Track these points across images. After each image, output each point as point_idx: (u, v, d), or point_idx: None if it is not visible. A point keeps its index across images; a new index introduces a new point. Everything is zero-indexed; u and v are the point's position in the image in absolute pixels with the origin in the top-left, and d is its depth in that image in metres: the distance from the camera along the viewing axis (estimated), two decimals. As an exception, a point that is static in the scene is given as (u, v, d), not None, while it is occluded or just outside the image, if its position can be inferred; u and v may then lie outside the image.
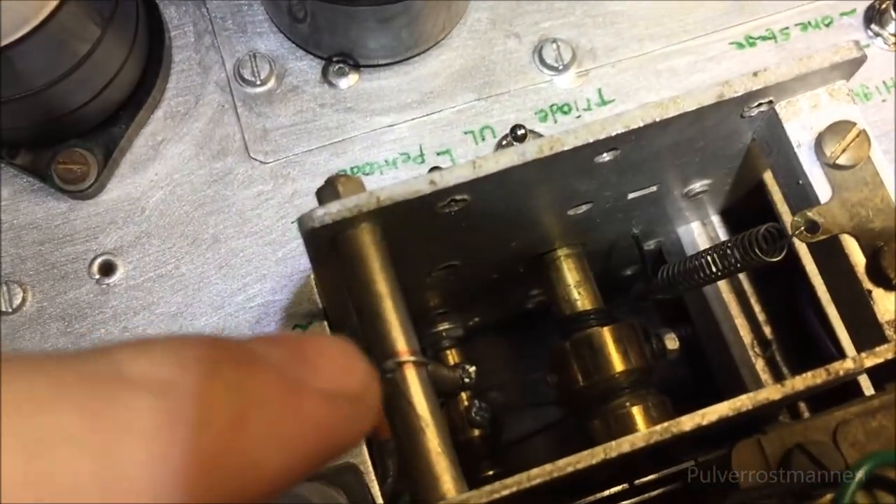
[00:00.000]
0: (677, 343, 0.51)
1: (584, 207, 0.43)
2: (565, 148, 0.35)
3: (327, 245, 0.35)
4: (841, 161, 0.37)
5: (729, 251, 0.40)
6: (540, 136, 0.50)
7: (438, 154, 0.50)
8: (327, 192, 0.35)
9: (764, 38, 0.53)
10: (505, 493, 0.31)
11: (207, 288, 0.47)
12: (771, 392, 0.32)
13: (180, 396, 0.19)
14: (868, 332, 0.36)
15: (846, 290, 0.37)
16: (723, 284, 0.54)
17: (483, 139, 0.50)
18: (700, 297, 0.55)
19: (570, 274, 0.49)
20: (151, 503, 0.17)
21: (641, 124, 0.35)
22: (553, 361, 0.49)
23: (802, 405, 0.49)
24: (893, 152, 0.51)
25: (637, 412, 0.47)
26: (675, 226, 0.54)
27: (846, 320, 0.38)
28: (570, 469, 0.31)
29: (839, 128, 0.37)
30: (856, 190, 0.37)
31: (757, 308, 0.53)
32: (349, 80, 0.51)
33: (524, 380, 0.64)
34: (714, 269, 0.41)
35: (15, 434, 0.16)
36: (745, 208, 0.50)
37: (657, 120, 0.35)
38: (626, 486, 0.41)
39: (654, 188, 0.44)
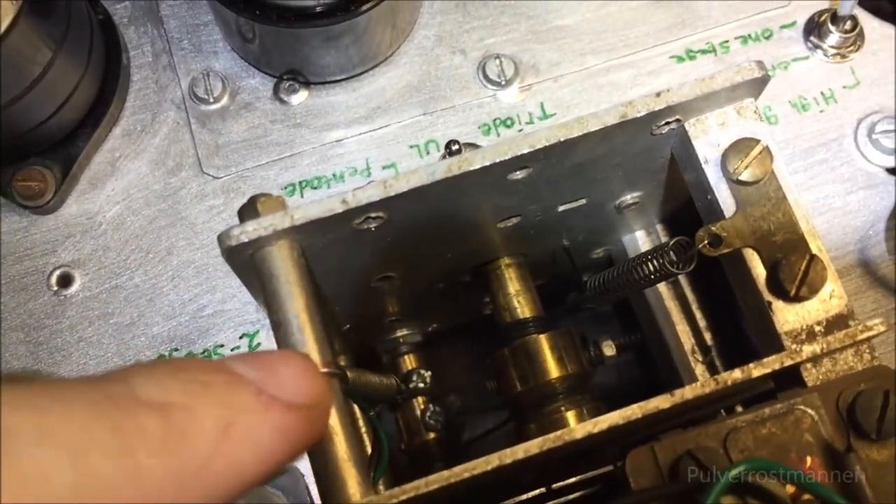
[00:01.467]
0: (614, 350, 0.52)
1: (513, 220, 0.45)
2: (473, 167, 0.36)
3: (248, 261, 0.37)
4: (744, 177, 0.38)
5: (645, 263, 0.41)
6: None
7: (384, 168, 0.52)
8: (248, 211, 0.37)
9: (704, 52, 0.54)
10: (403, 497, 0.32)
11: (160, 298, 0.50)
12: (661, 401, 0.34)
13: (181, 414, 0.24)
14: (770, 342, 0.38)
15: (751, 302, 0.39)
16: (665, 291, 0.55)
17: (428, 153, 0.52)
18: (645, 304, 0.57)
19: (511, 283, 0.51)
20: (164, 500, 0.23)
21: (547, 144, 0.37)
22: (493, 368, 0.51)
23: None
24: (829, 162, 0.52)
25: (571, 417, 0.48)
26: (620, 234, 0.55)
27: (753, 330, 0.40)
28: (466, 475, 0.33)
29: (743, 145, 0.38)
30: (759, 205, 0.38)
31: (698, 314, 0.54)
32: (300, 97, 0.53)
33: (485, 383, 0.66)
34: (634, 280, 0.43)
35: (62, 446, 0.21)
36: (688, 216, 0.51)
37: (562, 140, 0.37)
38: (542, 490, 0.42)
39: (582, 201, 0.46)
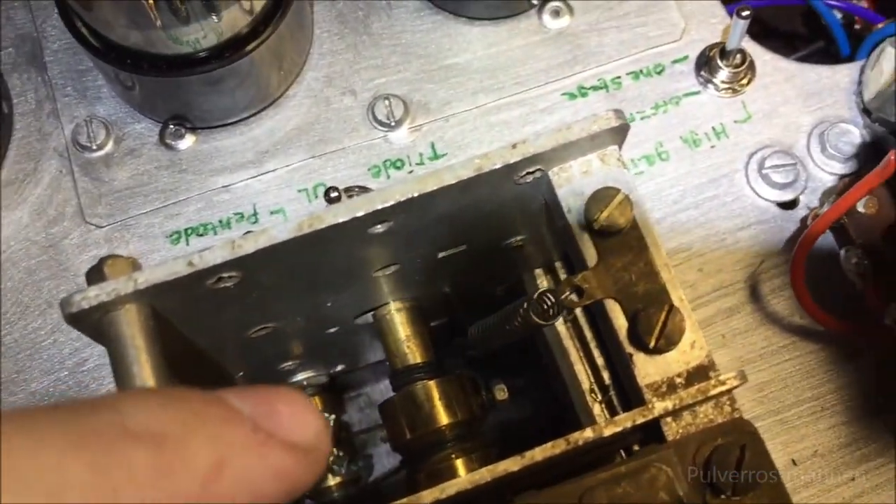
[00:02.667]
0: (506, 394, 0.52)
1: (392, 268, 0.44)
2: (324, 225, 0.36)
3: (96, 326, 0.36)
4: (604, 227, 0.38)
5: (512, 316, 0.41)
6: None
7: (272, 213, 0.51)
8: (94, 274, 0.36)
9: (596, 89, 0.54)
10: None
11: (39, 353, 0.48)
12: (510, 464, 0.33)
13: (171, 447, 0.23)
14: (634, 395, 0.37)
15: (616, 353, 0.38)
16: (563, 330, 0.55)
17: (316, 197, 0.52)
18: (545, 343, 0.56)
19: (402, 328, 0.50)
20: None
21: (401, 199, 0.36)
22: (383, 415, 0.50)
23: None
24: (720, 198, 0.52)
25: (460, 465, 0.48)
26: (520, 270, 0.55)
27: (624, 381, 0.39)
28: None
29: (603, 194, 0.38)
30: (620, 255, 0.38)
31: (596, 353, 0.54)
32: (186, 142, 0.52)
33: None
34: (506, 332, 0.42)
35: (37, 487, 0.20)
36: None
37: (416, 195, 0.36)
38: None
39: (463, 247, 0.45)
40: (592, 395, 0.54)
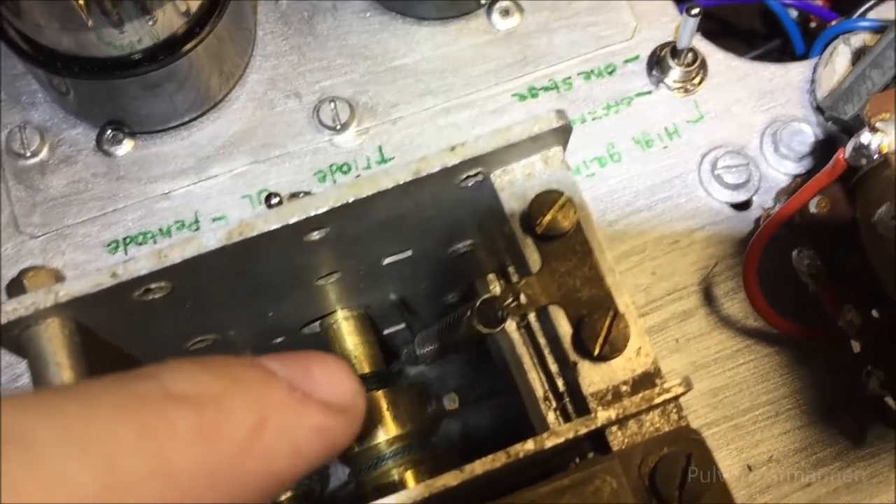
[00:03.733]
0: (457, 404, 0.50)
1: (334, 276, 0.43)
2: (255, 233, 0.34)
3: (17, 341, 0.34)
4: (548, 231, 0.36)
5: (456, 325, 0.40)
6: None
7: (214, 220, 0.50)
8: (14, 287, 0.34)
9: (546, 89, 0.53)
10: None
11: (-29, 368, 0.47)
12: (449, 479, 0.32)
13: (214, 408, 0.23)
14: (580, 404, 0.36)
15: (562, 361, 0.37)
16: (517, 337, 0.53)
17: (261, 203, 0.50)
18: (498, 350, 0.55)
19: (349, 338, 0.49)
20: (196, 497, 0.22)
21: (335, 205, 0.35)
22: (330, 427, 0.48)
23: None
24: (673, 199, 0.51)
25: (409, 476, 0.46)
26: (472, 277, 0.53)
27: (567, 391, 0.38)
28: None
29: (546, 197, 0.37)
30: (564, 259, 0.37)
31: (550, 359, 0.52)
32: (124, 148, 0.51)
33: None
34: (453, 338, 0.41)
35: (85, 450, 0.21)
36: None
37: (351, 201, 0.35)
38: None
39: (408, 252, 0.44)
40: (547, 402, 0.53)
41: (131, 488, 0.21)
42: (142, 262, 0.34)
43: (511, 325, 0.52)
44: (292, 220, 0.35)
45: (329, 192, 0.35)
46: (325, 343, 0.49)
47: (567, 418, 0.52)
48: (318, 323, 0.49)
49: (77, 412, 0.22)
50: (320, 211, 0.35)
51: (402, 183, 0.35)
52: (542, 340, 0.53)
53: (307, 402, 0.26)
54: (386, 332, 0.54)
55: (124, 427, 0.22)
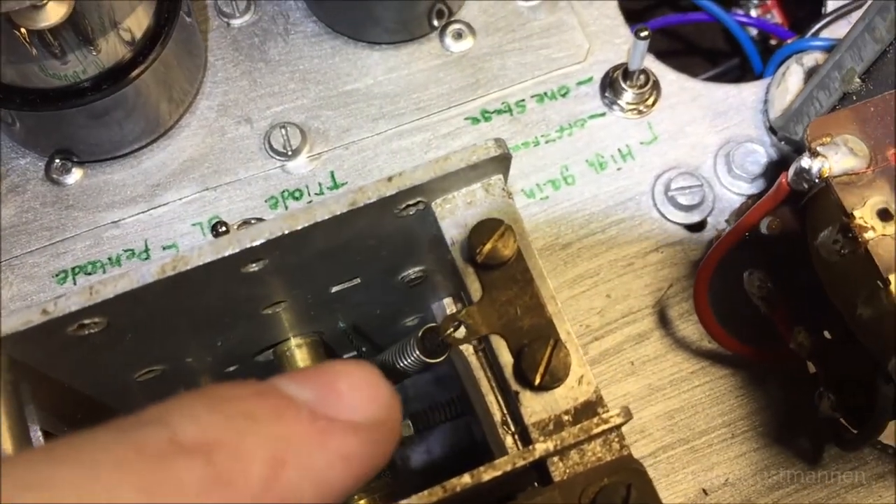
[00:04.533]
0: (412, 430, 0.50)
1: (281, 305, 0.43)
2: (188, 267, 0.34)
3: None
4: (488, 260, 0.36)
5: (401, 355, 0.39)
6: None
7: (165, 248, 0.49)
8: (-55, 325, 0.34)
9: (500, 112, 0.53)
10: None
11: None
12: (385, 513, 0.32)
13: (224, 455, 0.21)
14: (523, 433, 0.36)
15: (503, 391, 0.37)
16: (474, 361, 0.53)
17: (211, 230, 0.50)
18: (455, 375, 0.55)
19: (303, 365, 0.48)
20: None
21: (270, 237, 0.34)
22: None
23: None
24: (627, 221, 0.51)
25: (364, 504, 0.46)
26: (428, 301, 0.53)
27: (511, 421, 0.38)
28: None
29: (486, 226, 0.36)
30: (505, 288, 0.36)
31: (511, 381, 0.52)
32: (74, 177, 0.50)
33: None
34: (401, 366, 0.41)
35: None
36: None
37: (286, 232, 0.34)
38: None
39: (356, 280, 0.44)
40: (505, 427, 0.52)
41: None
42: (73, 298, 0.33)
43: (468, 349, 0.52)
44: (227, 253, 0.34)
45: (264, 225, 0.35)
46: (280, 370, 0.49)
47: (526, 442, 0.52)
48: (271, 351, 0.49)
49: (72, 478, 0.20)
50: (255, 243, 0.34)
51: (338, 214, 0.35)
52: (501, 361, 0.53)
53: (331, 429, 0.23)
54: (344, 357, 0.53)
55: (126, 488, 0.20)
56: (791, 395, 0.48)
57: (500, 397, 0.52)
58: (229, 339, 0.44)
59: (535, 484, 0.40)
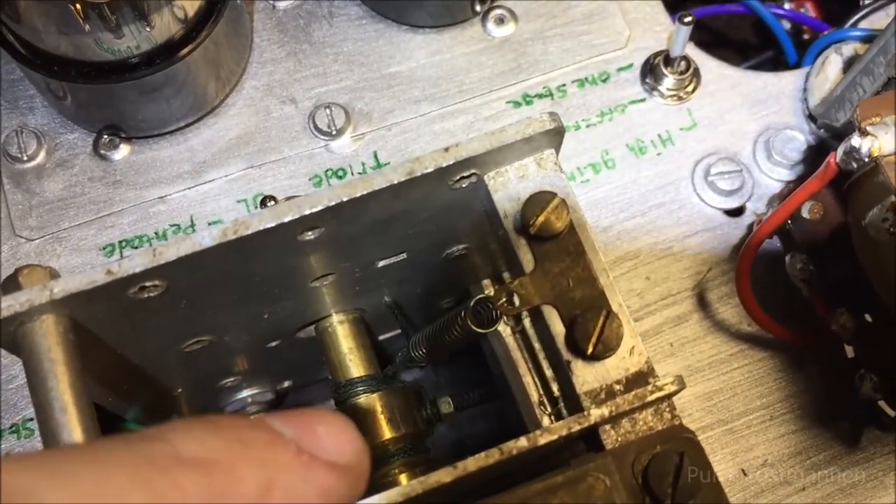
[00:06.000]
0: (452, 407, 0.50)
1: (329, 278, 0.43)
2: (249, 232, 0.34)
3: (12, 337, 0.34)
4: (541, 231, 0.37)
5: (451, 325, 0.40)
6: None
7: (210, 223, 0.50)
8: (10, 284, 0.35)
9: (541, 96, 0.53)
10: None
11: (-34, 371, 0.47)
12: (442, 475, 0.32)
13: (223, 472, 0.24)
14: (573, 403, 0.36)
15: (555, 361, 0.37)
16: (511, 342, 0.53)
17: (256, 207, 0.50)
18: (493, 356, 0.55)
19: (344, 341, 0.49)
20: None
21: (329, 204, 0.35)
22: (324, 431, 0.48)
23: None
24: (667, 206, 0.52)
25: (404, 479, 0.46)
26: (467, 283, 0.54)
27: (561, 391, 0.38)
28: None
29: (539, 198, 0.37)
30: (557, 260, 0.37)
31: (545, 364, 0.52)
32: (121, 152, 0.51)
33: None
34: (446, 341, 0.41)
35: None
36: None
37: (345, 200, 0.35)
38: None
39: (402, 255, 0.44)
40: (542, 407, 0.53)
41: None
42: (136, 259, 0.34)
43: (506, 330, 0.52)
44: (286, 219, 0.35)
45: (323, 192, 0.35)
46: (320, 347, 0.50)
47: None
48: (313, 327, 0.49)
49: (88, 476, 0.22)
50: (315, 210, 0.35)
51: (395, 183, 0.36)
52: (536, 345, 0.53)
53: (314, 464, 0.26)
54: (381, 337, 0.54)
55: (136, 491, 0.22)
56: (829, 378, 0.48)
57: (536, 378, 0.53)
58: (276, 312, 0.45)
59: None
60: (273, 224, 0.34)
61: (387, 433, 0.47)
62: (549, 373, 0.53)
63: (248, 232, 0.34)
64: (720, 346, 0.49)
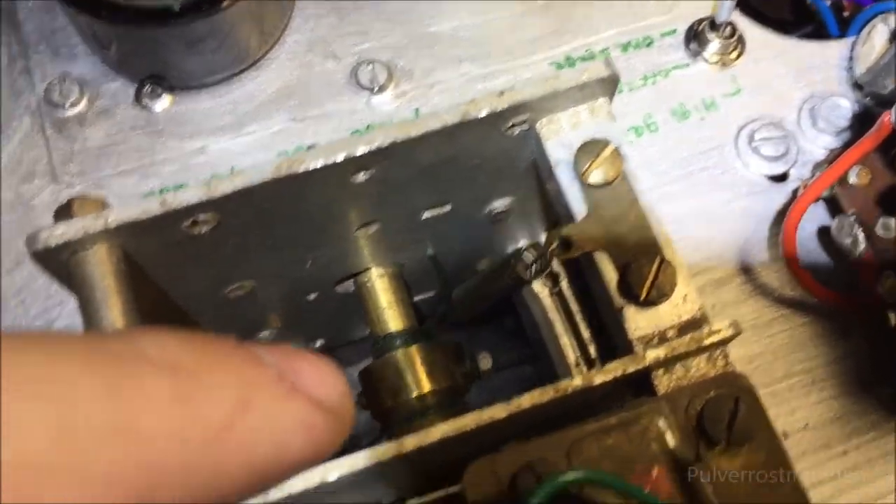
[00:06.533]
0: (491, 363, 0.50)
1: (373, 227, 0.43)
2: (303, 168, 0.34)
3: (64, 267, 0.34)
4: (594, 179, 0.36)
5: (500, 271, 0.40)
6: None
7: (251, 176, 0.50)
8: (63, 212, 0.34)
9: (584, 59, 0.53)
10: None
11: (6, 314, 0.46)
12: (496, 411, 0.32)
13: (194, 378, 0.21)
14: (624, 348, 0.36)
15: (606, 307, 0.37)
16: (549, 303, 0.53)
17: (297, 161, 0.50)
18: (529, 316, 0.55)
19: (384, 295, 0.49)
20: (164, 474, 0.19)
21: (383, 144, 0.35)
22: (362, 382, 0.48)
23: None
24: (710, 170, 0.51)
25: (442, 432, 0.46)
26: (504, 244, 0.53)
27: (613, 336, 0.38)
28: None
29: (593, 146, 0.37)
30: (610, 207, 0.37)
31: (583, 325, 0.52)
32: (163, 103, 0.51)
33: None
34: (493, 289, 0.41)
35: (44, 397, 0.18)
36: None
37: (399, 140, 0.35)
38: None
39: (447, 207, 0.44)
40: (578, 368, 0.53)
41: (89, 445, 0.19)
42: (191, 191, 0.34)
43: (543, 291, 0.52)
44: (340, 158, 0.35)
45: (377, 132, 0.35)
46: (359, 301, 0.49)
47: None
48: (351, 281, 0.49)
49: (39, 358, 0.19)
50: (369, 149, 0.35)
51: (449, 125, 0.35)
52: (574, 307, 0.53)
53: (295, 394, 0.23)
54: (416, 298, 0.54)
55: (89, 379, 0.19)
56: (871, 345, 0.48)
57: (573, 340, 0.53)
58: (318, 260, 0.44)
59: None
60: (327, 162, 0.34)
61: (426, 386, 0.46)
62: (586, 334, 0.53)
63: (301, 168, 0.34)
64: (761, 310, 0.49)
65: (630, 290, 0.35)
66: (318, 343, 0.60)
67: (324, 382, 0.24)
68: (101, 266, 0.33)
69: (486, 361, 0.49)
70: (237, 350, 0.23)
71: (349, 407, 0.25)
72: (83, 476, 0.18)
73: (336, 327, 0.59)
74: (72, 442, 0.18)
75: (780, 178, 0.51)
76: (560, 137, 0.38)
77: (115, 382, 0.20)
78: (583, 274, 0.53)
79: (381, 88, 0.51)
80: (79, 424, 0.18)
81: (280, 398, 0.22)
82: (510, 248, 0.54)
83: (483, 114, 0.35)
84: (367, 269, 0.48)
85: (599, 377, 0.32)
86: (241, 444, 0.21)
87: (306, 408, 0.23)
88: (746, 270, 0.49)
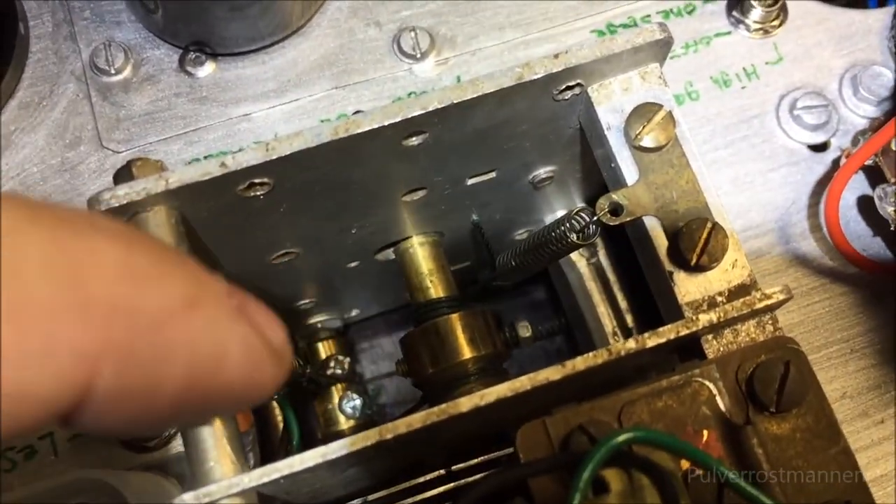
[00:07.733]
0: (530, 331, 0.51)
1: (420, 193, 0.43)
2: (360, 130, 0.35)
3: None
4: (645, 143, 0.37)
5: (548, 235, 0.40)
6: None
7: (294, 142, 0.50)
8: (123, 174, 0.35)
9: (625, 26, 0.53)
10: (276, 475, 0.30)
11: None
12: (551, 373, 0.32)
13: (144, 263, 0.20)
14: (673, 313, 0.37)
15: (654, 273, 0.37)
16: (586, 272, 0.54)
17: (340, 127, 0.50)
18: (566, 287, 0.55)
19: (424, 262, 0.49)
20: (107, 346, 0.19)
21: (439, 106, 0.35)
22: (403, 349, 0.49)
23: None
24: (750, 139, 0.51)
25: (483, 398, 0.47)
26: (542, 214, 0.54)
27: (660, 302, 0.38)
28: (343, 452, 0.31)
29: (645, 110, 0.37)
30: (661, 172, 0.37)
31: (620, 295, 0.53)
32: (206, 69, 0.51)
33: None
34: (541, 253, 0.41)
35: None
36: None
37: (455, 102, 0.35)
38: (442, 472, 0.41)
39: (493, 174, 0.44)
40: (615, 338, 0.53)
41: (38, 308, 0.18)
42: (249, 153, 0.34)
43: (581, 261, 0.52)
44: (397, 119, 0.35)
45: (432, 95, 0.35)
46: (400, 268, 0.50)
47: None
48: (392, 249, 0.49)
49: None
50: (425, 111, 0.35)
51: (504, 87, 0.36)
52: (611, 277, 0.54)
53: (241, 315, 0.23)
54: (453, 268, 0.54)
55: (36, 235, 0.19)
56: (912, 315, 0.48)
57: (610, 309, 0.53)
58: (364, 228, 0.45)
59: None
60: (383, 123, 0.35)
61: (467, 352, 0.47)
62: (623, 304, 0.53)
63: (358, 130, 0.35)
64: (801, 280, 0.49)
65: (680, 256, 0.35)
66: (354, 313, 0.60)
67: (269, 324, 0.24)
68: (160, 227, 0.34)
69: (524, 329, 0.50)
70: (192, 262, 0.23)
71: (288, 355, 0.25)
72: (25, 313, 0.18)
73: (371, 297, 0.59)
74: (20, 309, 0.18)
75: (821, 147, 0.51)
76: (611, 102, 0.38)
77: (66, 240, 0.19)
78: (618, 244, 0.54)
79: (424, 55, 0.52)
80: (28, 286, 0.18)
81: (226, 311, 0.22)
82: (547, 218, 0.54)
83: (539, 76, 0.36)
84: (409, 237, 0.49)
85: (653, 340, 0.33)
86: (185, 340, 0.21)
87: (249, 330, 0.23)
88: (786, 240, 0.49)
